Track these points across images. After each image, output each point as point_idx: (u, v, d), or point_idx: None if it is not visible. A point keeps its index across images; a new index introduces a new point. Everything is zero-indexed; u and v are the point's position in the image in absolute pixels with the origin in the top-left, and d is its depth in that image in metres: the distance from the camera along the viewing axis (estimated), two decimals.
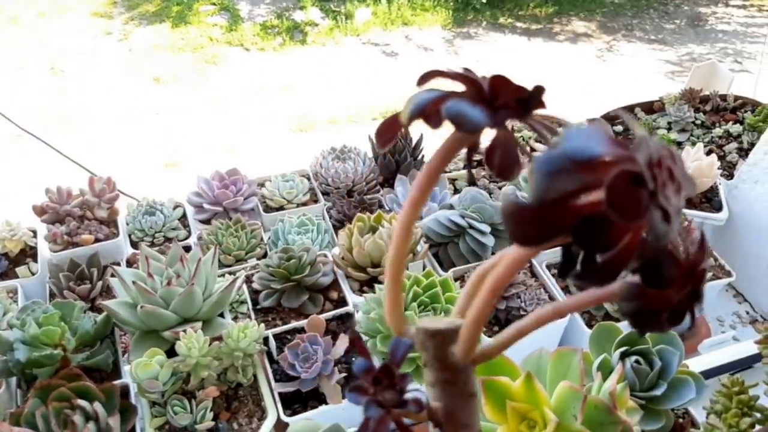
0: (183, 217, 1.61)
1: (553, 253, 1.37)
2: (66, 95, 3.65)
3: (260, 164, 1.71)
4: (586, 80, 3.85)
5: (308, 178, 1.67)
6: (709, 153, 1.60)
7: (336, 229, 1.49)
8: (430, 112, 0.26)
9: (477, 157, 1.75)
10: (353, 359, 1.13)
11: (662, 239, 0.21)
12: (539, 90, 0.24)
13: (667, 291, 0.24)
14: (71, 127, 3.33)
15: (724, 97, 1.93)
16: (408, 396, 0.29)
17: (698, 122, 1.87)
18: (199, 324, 1.09)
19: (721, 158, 1.72)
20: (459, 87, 0.26)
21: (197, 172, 1.63)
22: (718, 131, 1.82)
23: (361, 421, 0.29)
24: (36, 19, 4.48)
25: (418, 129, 1.69)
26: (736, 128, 1.81)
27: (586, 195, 0.21)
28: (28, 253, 1.50)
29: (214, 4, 4.75)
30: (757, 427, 0.75)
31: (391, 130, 0.28)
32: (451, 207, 1.35)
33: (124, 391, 1.06)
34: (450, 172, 1.69)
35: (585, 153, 0.21)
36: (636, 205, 0.21)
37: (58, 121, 3.37)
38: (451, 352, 0.30)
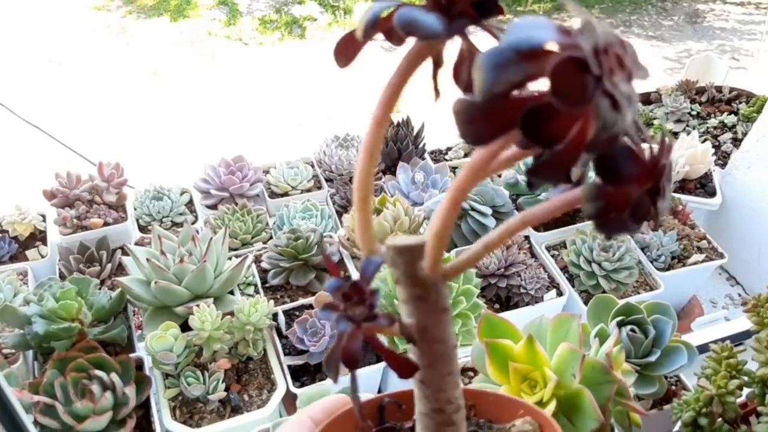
0: (189, 203, 1.64)
1: (552, 235, 1.41)
2: (64, 88, 3.67)
3: (258, 157, 1.74)
4: None
5: (312, 165, 1.71)
6: (704, 142, 1.64)
7: (339, 214, 1.53)
8: (387, 25, 0.24)
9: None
10: None
11: (611, 128, 0.21)
12: None
13: (627, 188, 0.23)
14: (69, 119, 3.35)
15: (719, 89, 1.97)
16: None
17: (694, 113, 1.91)
18: (211, 300, 1.13)
19: (716, 148, 1.76)
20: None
21: (195, 165, 1.65)
22: (713, 122, 1.86)
23: (335, 337, 0.30)
24: (33, 11, 4.49)
25: (419, 117, 1.73)
26: (731, 119, 1.86)
27: (532, 85, 0.21)
28: (38, 236, 1.54)
29: None
30: (745, 390, 0.79)
31: (349, 49, 0.27)
32: None
33: (139, 364, 1.10)
34: (451, 160, 1.73)
35: (529, 42, 0.21)
36: (580, 91, 0.20)
37: (56, 113, 3.39)
38: (420, 267, 0.30)
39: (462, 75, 0.25)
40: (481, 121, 0.22)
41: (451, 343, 0.32)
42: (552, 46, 0.21)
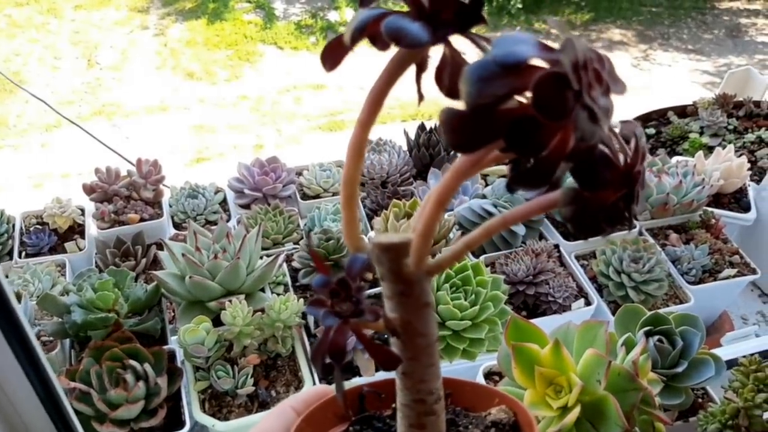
0: (223, 202, 1.67)
1: (582, 245, 1.41)
2: (102, 87, 3.76)
3: (290, 159, 1.77)
4: None
5: None
6: (740, 157, 1.63)
7: (369, 218, 1.55)
8: (373, 31, 0.25)
9: None
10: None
11: (589, 139, 0.22)
12: (477, 3, 0.24)
13: (602, 193, 0.24)
14: (106, 118, 3.44)
15: (758, 104, 1.95)
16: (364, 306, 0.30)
17: (731, 127, 1.89)
18: (243, 296, 1.15)
19: (752, 163, 1.74)
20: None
21: (227, 167, 1.68)
22: (750, 137, 1.84)
23: (322, 332, 0.30)
24: (74, 12, 4.60)
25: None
26: None
27: (515, 99, 0.22)
28: (76, 229, 1.59)
29: (249, 2, 4.84)
30: None
31: (336, 54, 0.28)
32: (484, 197, 1.40)
33: (171, 356, 1.12)
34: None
35: (513, 57, 0.22)
36: (561, 105, 0.21)
37: (93, 112, 3.48)
38: (404, 264, 0.31)
39: (444, 80, 0.26)
40: (468, 131, 0.23)
41: (433, 337, 0.33)
42: (535, 62, 0.22)
